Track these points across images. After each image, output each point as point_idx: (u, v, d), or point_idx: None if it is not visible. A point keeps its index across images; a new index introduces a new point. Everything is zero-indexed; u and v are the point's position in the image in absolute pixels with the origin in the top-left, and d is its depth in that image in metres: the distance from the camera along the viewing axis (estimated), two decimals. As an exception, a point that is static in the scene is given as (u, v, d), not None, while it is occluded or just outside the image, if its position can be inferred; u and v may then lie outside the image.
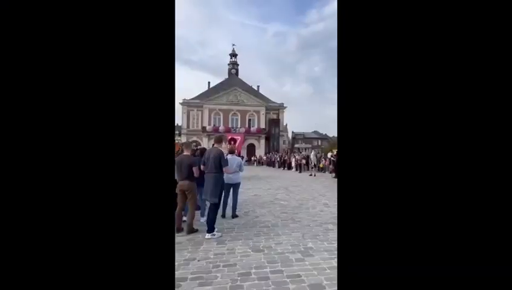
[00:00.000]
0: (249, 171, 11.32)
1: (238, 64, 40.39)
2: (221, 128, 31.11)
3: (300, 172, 16.07)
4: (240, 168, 4.72)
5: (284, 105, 35.92)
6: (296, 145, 49.98)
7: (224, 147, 9.64)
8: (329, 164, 14.53)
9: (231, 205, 4.78)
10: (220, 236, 3.60)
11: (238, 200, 6.41)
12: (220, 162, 3.67)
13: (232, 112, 33.55)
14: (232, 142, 10.80)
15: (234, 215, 4.70)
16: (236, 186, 4.82)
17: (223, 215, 4.65)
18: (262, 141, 33.53)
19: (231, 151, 4.85)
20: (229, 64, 40.41)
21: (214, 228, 3.65)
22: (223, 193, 4.52)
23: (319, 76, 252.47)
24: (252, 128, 33.10)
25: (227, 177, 4.55)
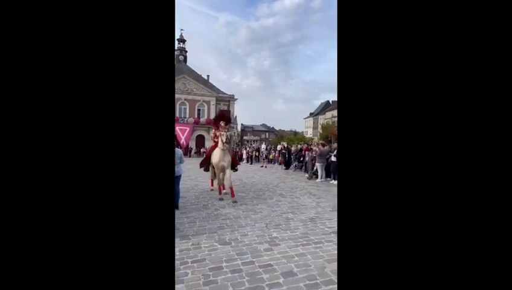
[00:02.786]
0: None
1: (186, 51, 38.29)
2: (168, 117, 29.39)
3: (251, 164, 16.33)
4: (180, 160, 4.68)
5: (235, 97, 35.76)
6: (245, 138, 50.49)
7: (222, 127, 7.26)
8: (279, 156, 15.11)
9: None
10: None
11: (195, 193, 6.25)
12: None
13: (180, 101, 31.86)
14: (219, 130, 6.99)
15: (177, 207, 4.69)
16: (178, 178, 4.81)
17: (176, 207, 4.59)
18: (212, 133, 32.88)
19: None
20: (177, 50, 38.01)
21: None
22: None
23: (267, 70, 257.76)
24: (201, 119, 32.09)
25: None
